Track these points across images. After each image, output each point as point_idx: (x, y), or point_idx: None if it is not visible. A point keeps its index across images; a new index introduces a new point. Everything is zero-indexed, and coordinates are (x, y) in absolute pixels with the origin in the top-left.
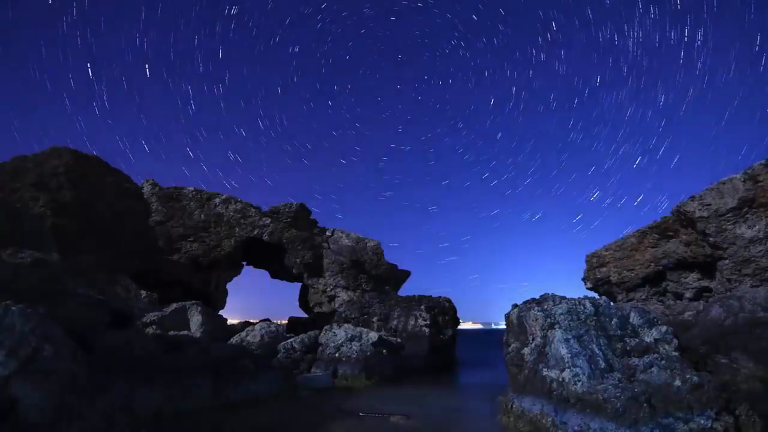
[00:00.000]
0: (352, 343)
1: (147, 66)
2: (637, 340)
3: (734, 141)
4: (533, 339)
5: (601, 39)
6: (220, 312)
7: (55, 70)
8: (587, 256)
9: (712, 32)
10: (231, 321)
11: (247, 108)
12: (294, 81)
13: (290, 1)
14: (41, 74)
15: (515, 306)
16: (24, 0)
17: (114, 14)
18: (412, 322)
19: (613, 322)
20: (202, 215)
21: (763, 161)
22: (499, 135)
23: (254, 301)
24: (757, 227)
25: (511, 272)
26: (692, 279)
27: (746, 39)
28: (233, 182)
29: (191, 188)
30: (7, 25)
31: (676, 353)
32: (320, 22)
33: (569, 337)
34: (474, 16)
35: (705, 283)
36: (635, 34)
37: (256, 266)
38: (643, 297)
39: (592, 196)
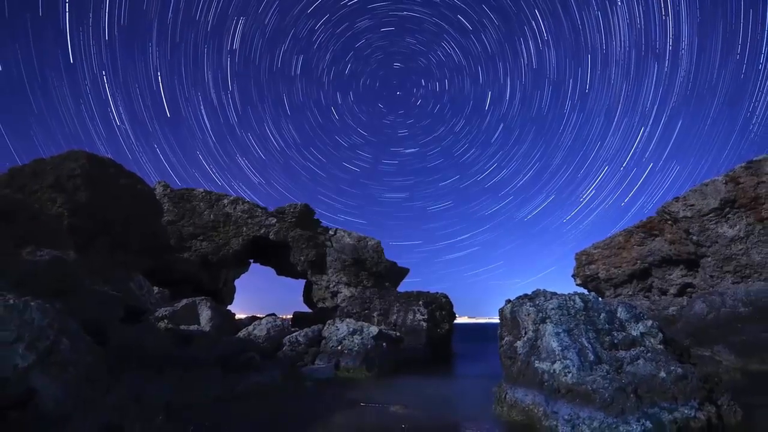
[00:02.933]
0: (354, 336)
1: (160, 82)
2: (624, 333)
3: (718, 142)
4: (526, 333)
5: (588, 33)
6: (229, 307)
7: (71, 79)
8: (577, 254)
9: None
10: (239, 316)
11: (257, 120)
12: (300, 98)
13: (285, 28)
14: (58, 81)
15: (508, 301)
16: (42, 8)
17: (126, 36)
18: (410, 317)
19: (601, 317)
20: (212, 215)
21: (743, 164)
22: (497, 134)
23: (261, 297)
24: (738, 227)
25: (505, 269)
26: (676, 276)
27: (729, 40)
28: (241, 185)
29: (201, 190)
30: (25, 33)
31: (661, 346)
32: (317, 41)
33: (560, 330)
34: (461, 17)
35: (689, 279)
36: (620, 26)
37: (262, 264)
38: (630, 293)
39: (582, 196)
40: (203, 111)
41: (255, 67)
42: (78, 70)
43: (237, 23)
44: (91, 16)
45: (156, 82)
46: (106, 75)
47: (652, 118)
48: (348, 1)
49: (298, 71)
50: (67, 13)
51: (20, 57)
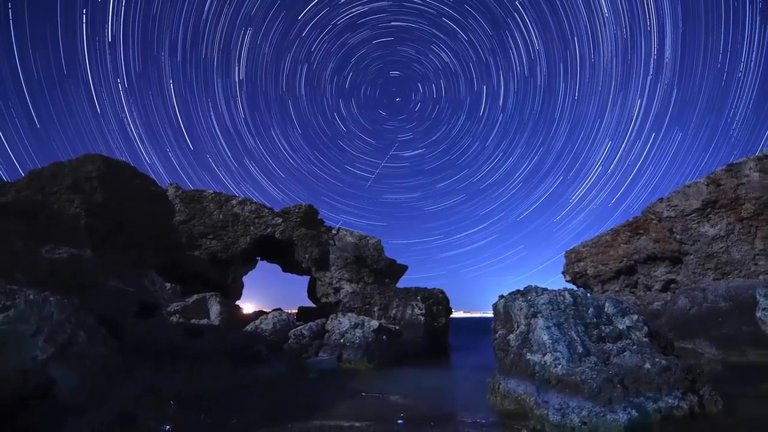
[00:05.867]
0: (356, 330)
1: (179, 117)
2: (611, 327)
3: (700, 146)
4: (518, 326)
5: (571, 22)
6: (237, 302)
7: (88, 86)
8: (566, 252)
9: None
10: (246, 310)
11: (264, 126)
12: (306, 114)
13: (283, 52)
14: (75, 87)
15: (502, 297)
16: (61, 19)
17: (142, 77)
18: (409, 312)
19: (589, 311)
20: (221, 215)
21: (724, 167)
22: (492, 136)
23: (267, 293)
24: (719, 226)
25: (498, 266)
26: (661, 272)
27: (713, 50)
28: (249, 186)
29: (211, 191)
30: (44, 43)
31: (647, 339)
32: (315, 61)
33: (550, 324)
34: (446, 20)
35: (672, 276)
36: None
37: (269, 261)
38: (617, 288)
39: (572, 197)
40: (215, 123)
41: (262, 92)
42: (103, 116)
43: (240, 55)
44: (109, 67)
45: (177, 120)
46: (126, 107)
47: (647, 93)
48: (339, 20)
49: (302, 91)
50: (89, 67)
51: (54, 115)
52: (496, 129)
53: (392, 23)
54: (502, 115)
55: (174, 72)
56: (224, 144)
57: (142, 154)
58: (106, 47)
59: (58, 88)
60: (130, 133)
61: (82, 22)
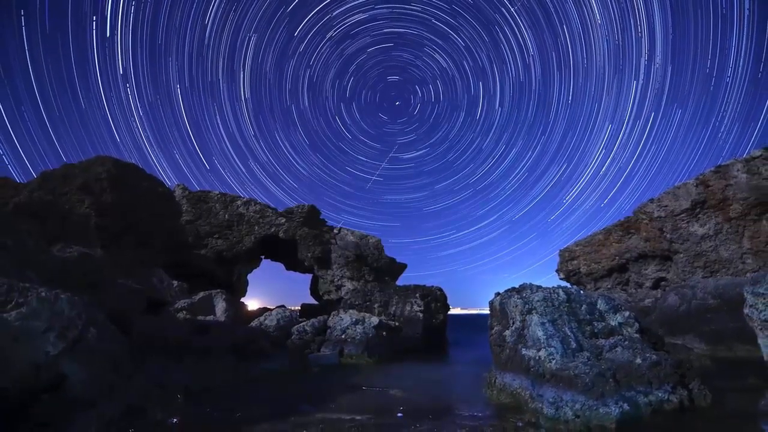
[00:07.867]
0: (357, 326)
1: (192, 136)
2: (603, 323)
3: (690, 148)
4: (513, 323)
5: (562, 18)
6: (242, 299)
7: (97, 90)
8: (560, 251)
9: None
10: (251, 307)
11: (268, 130)
12: (310, 121)
13: (284, 71)
14: (86, 92)
15: (498, 294)
16: (71, 25)
17: (153, 102)
18: (408, 308)
19: (583, 308)
20: (226, 215)
21: (712, 168)
22: (488, 138)
23: (271, 290)
24: (707, 226)
25: (494, 265)
26: (651, 270)
27: (703, 56)
28: (254, 187)
29: (217, 192)
30: (55, 47)
31: (638, 335)
32: (315, 74)
33: (545, 321)
34: (436, 21)
35: (662, 274)
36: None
37: (272, 260)
38: (609, 286)
39: (566, 198)
40: (222, 131)
41: (267, 103)
42: (117, 137)
43: (244, 77)
44: (123, 96)
45: (189, 139)
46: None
47: (642, 73)
48: (333, 33)
49: (306, 103)
50: (105, 102)
51: (76, 145)
52: (494, 128)
53: (386, 30)
54: (500, 108)
55: (183, 92)
56: (230, 148)
57: (151, 158)
58: (119, 78)
59: (76, 115)
60: (139, 138)
61: (94, 57)
